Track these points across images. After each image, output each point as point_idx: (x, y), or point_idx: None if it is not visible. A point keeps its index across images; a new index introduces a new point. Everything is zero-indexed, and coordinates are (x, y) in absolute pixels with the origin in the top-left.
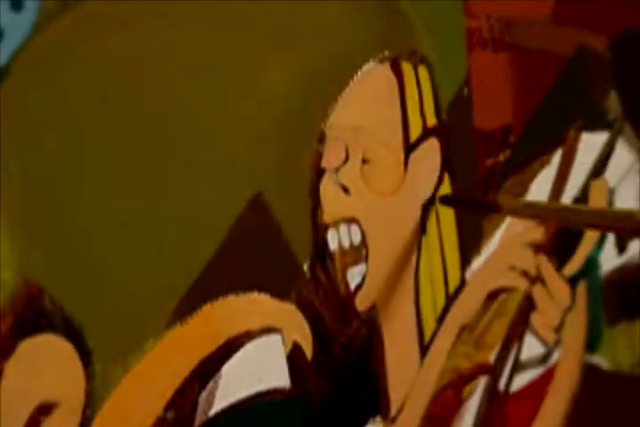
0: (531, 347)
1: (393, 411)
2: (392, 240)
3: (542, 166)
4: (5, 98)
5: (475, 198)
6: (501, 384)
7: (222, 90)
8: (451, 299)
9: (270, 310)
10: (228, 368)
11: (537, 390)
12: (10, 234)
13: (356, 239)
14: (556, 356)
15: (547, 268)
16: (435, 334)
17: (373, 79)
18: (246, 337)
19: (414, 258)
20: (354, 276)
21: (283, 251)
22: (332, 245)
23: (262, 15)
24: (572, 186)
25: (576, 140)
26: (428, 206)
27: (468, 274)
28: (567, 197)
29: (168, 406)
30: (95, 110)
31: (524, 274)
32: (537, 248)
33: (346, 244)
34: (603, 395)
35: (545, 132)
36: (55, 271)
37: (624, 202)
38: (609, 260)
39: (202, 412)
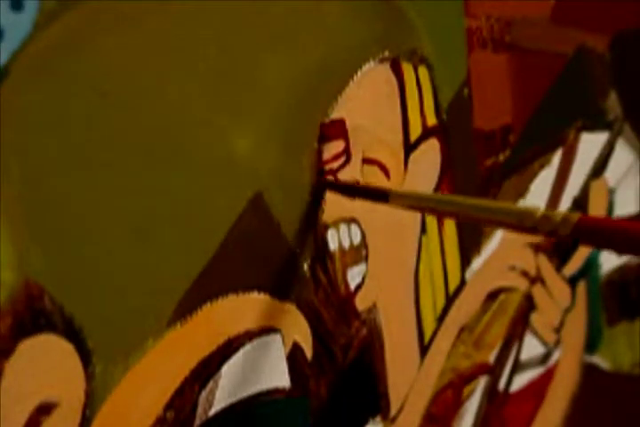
0: (531, 347)
1: (393, 411)
2: (392, 240)
3: (542, 166)
4: (5, 98)
5: (363, 186)
6: (501, 384)
7: (222, 89)
8: (451, 299)
9: (270, 310)
10: (227, 368)
11: (537, 390)
12: (10, 234)
13: (356, 239)
14: (556, 356)
15: (547, 268)
16: (435, 334)
17: (373, 79)
18: (246, 337)
19: (414, 258)
20: (354, 276)
21: (283, 251)
22: (332, 245)
23: (262, 14)
24: (572, 186)
25: (576, 140)
26: None
27: (468, 274)
28: (567, 197)
29: (168, 406)
30: (95, 110)
31: (524, 274)
32: (537, 248)
33: (346, 244)
34: (603, 395)
35: (545, 132)
36: (55, 271)
37: (624, 202)
38: (609, 260)
39: (202, 412)
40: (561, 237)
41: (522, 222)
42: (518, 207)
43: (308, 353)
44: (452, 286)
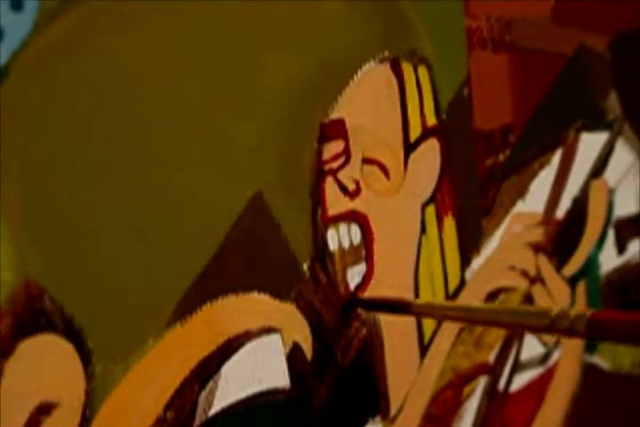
0: (531, 347)
1: (393, 411)
2: (392, 240)
3: (542, 166)
4: (5, 98)
5: (386, 300)
6: (501, 384)
7: (222, 89)
8: (451, 299)
9: (270, 310)
10: (227, 368)
11: (537, 390)
12: (10, 234)
13: (356, 239)
14: (555, 356)
15: (547, 268)
16: (435, 334)
17: (373, 79)
18: (246, 337)
19: (414, 258)
20: (354, 276)
21: (283, 251)
22: (332, 245)
23: (262, 14)
24: (572, 186)
25: (576, 140)
26: (427, 206)
27: (468, 274)
28: (567, 197)
29: (168, 406)
30: (95, 110)
31: (524, 274)
32: (537, 248)
33: (346, 244)
34: (603, 395)
35: (545, 133)
36: (55, 271)
37: (624, 202)
38: (609, 260)
39: (202, 412)
40: (578, 336)
41: (539, 323)
42: (534, 308)
43: (308, 353)
44: (452, 286)
